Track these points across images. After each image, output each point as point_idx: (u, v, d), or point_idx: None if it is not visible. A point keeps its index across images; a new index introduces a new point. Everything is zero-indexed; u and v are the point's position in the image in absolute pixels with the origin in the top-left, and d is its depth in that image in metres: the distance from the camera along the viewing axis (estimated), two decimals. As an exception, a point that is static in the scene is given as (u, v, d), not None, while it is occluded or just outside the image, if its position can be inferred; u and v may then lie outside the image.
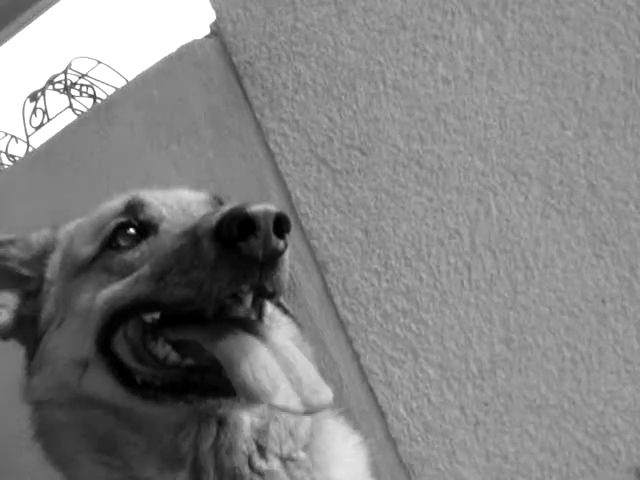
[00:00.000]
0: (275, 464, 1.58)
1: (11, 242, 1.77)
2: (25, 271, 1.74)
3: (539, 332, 2.53)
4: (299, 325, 1.84)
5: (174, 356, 1.47)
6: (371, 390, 2.67)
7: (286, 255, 1.36)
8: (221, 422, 1.56)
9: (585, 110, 2.48)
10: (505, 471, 2.52)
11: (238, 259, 1.29)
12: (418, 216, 2.66)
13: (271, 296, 1.43)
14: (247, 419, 1.59)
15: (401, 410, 2.63)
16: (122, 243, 1.56)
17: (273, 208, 1.30)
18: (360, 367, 2.69)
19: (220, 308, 1.47)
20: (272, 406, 1.32)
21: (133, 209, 1.60)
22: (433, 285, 2.64)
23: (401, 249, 2.67)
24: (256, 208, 1.27)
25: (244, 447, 1.56)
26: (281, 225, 1.31)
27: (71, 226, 1.79)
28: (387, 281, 2.68)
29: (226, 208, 1.31)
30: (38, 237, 1.78)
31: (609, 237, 2.47)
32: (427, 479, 2.58)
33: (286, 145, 2.78)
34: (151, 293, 1.42)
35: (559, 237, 2.51)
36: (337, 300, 2.72)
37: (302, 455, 1.61)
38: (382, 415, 2.65)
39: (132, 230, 1.57)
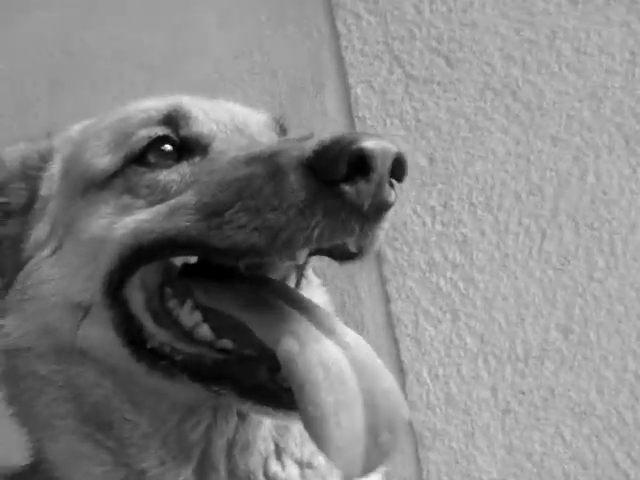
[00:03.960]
0: (292, 471, 1.43)
1: None
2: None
3: (605, 331, 2.43)
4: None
5: (205, 330, 1.29)
6: (396, 342, 2.56)
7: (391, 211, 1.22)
8: (241, 416, 1.40)
9: None
10: (525, 470, 2.45)
11: (337, 205, 1.12)
12: (497, 158, 2.55)
13: (350, 257, 1.28)
14: None
15: (424, 373, 2.53)
16: (153, 160, 1.38)
17: (393, 146, 1.13)
18: (389, 313, 2.57)
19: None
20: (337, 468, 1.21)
21: (174, 121, 1.40)
22: (496, 244, 2.52)
23: (468, 191, 2.55)
24: (373, 143, 1.11)
25: (262, 447, 1.41)
26: (397, 171, 1.15)
27: (75, 130, 1.56)
28: (442, 224, 2.56)
29: (328, 136, 1.14)
30: (13, 153, 1.58)
31: None
32: (436, 455, 2.49)
33: (357, 29, 2.65)
34: (196, 231, 1.23)
35: None
36: (379, 231, 2.62)
37: (321, 460, 1.45)
38: (402, 372, 2.54)
39: (169, 147, 1.38)
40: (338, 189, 1.11)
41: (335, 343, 1.23)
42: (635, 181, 2.41)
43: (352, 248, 1.23)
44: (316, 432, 1.13)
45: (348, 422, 1.14)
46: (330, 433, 1.12)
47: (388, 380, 1.23)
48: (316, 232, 1.13)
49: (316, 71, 2.61)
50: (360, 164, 1.10)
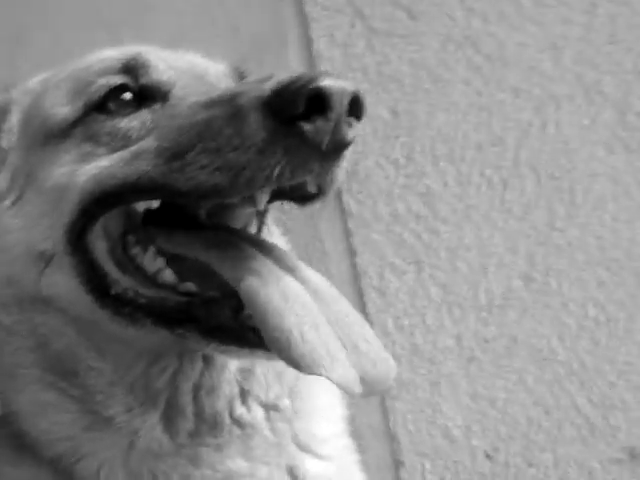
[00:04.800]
0: (257, 414, 1.44)
1: None
2: None
3: (566, 279, 2.44)
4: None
5: (169, 275, 1.29)
6: (361, 294, 2.55)
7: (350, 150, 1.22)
8: (207, 360, 1.41)
9: None
10: (489, 416, 2.47)
11: (296, 143, 1.13)
12: (459, 109, 2.52)
13: (308, 199, 1.30)
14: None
15: (390, 324, 2.53)
16: (113, 108, 1.36)
17: (350, 85, 1.14)
18: (354, 265, 2.57)
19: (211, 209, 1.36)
20: (329, 379, 1.16)
21: (133, 69, 1.39)
22: (459, 195, 2.51)
23: (430, 143, 2.53)
24: (331, 82, 1.11)
25: (227, 390, 1.42)
26: (355, 109, 1.15)
27: (34, 82, 1.54)
28: (406, 176, 2.54)
29: (286, 76, 1.14)
30: None
31: (679, 193, 2.41)
32: (402, 404, 2.50)
33: None
34: (158, 174, 1.24)
35: (619, 178, 2.42)
36: (343, 184, 2.53)
37: (287, 402, 1.47)
38: (368, 324, 2.45)
39: (129, 95, 1.37)
40: (297, 127, 1.12)
41: (295, 279, 1.25)
42: (595, 131, 2.40)
43: (312, 188, 1.24)
44: (287, 355, 1.14)
45: (315, 336, 1.16)
46: (300, 350, 1.14)
47: (348, 306, 1.26)
48: (277, 170, 1.13)
49: (278, 25, 2.57)
50: (318, 102, 1.10)
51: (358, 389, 1.14)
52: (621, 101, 2.39)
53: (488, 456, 2.45)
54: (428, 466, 2.46)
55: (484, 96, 2.51)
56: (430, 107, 2.53)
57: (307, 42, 2.61)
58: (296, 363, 1.14)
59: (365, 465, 1.63)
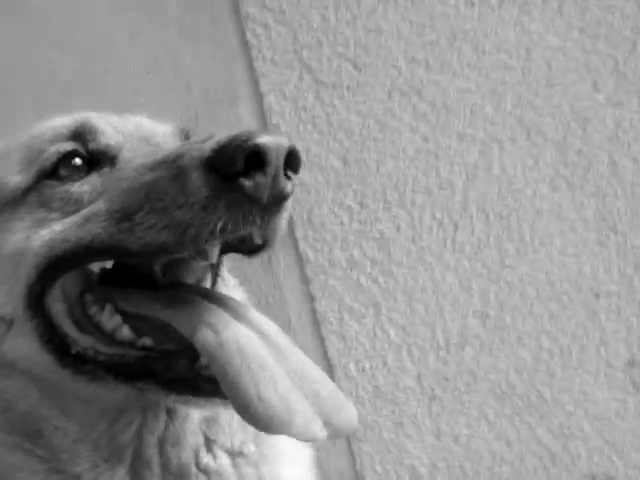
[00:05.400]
0: (223, 461, 1.45)
1: None
2: None
3: (520, 314, 2.47)
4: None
5: (126, 331, 1.30)
6: (322, 339, 2.57)
7: (290, 201, 1.24)
8: (170, 412, 1.42)
9: (625, 74, 2.41)
10: (454, 453, 2.49)
11: (238, 199, 1.15)
12: (408, 156, 2.54)
13: (256, 250, 1.31)
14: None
15: (352, 368, 2.54)
16: (64, 173, 1.37)
17: (285, 141, 1.17)
18: (313, 311, 2.58)
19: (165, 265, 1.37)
20: (289, 436, 1.17)
21: (81, 136, 1.41)
22: (411, 238, 2.52)
23: (382, 189, 2.54)
24: (267, 139, 1.14)
25: (192, 440, 1.43)
26: (292, 163, 1.19)
27: None
28: (360, 222, 2.55)
29: (225, 136, 1.17)
30: None
31: (620, 226, 2.42)
32: (368, 446, 2.51)
33: (267, 39, 2.61)
34: (108, 236, 1.25)
35: (564, 214, 2.44)
36: (299, 233, 2.57)
37: (252, 448, 1.48)
38: (330, 368, 2.55)
39: (79, 160, 1.38)
40: (237, 184, 1.14)
41: (250, 329, 1.26)
42: (538, 170, 2.42)
43: (257, 240, 1.25)
44: (245, 412, 1.15)
45: (272, 392, 1.16)
46: (259, 411, 1.14)
47: (304, 358, 1.27)
48: (220, 225, 1.15)
49: (229, 82, 2.58)
50: (256, 159, 1.13)
51: (322, 434, 1.15)
52: (561, 141, 2.42)
53: (455, 493, 2.44)
54: (397, 506, 2.45)
55: (430, 142, 2.52)
56: (379, 155, 2.54)
57: (258, 97, 2.61)
58: (255, 424, 1.15)
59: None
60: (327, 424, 1.16)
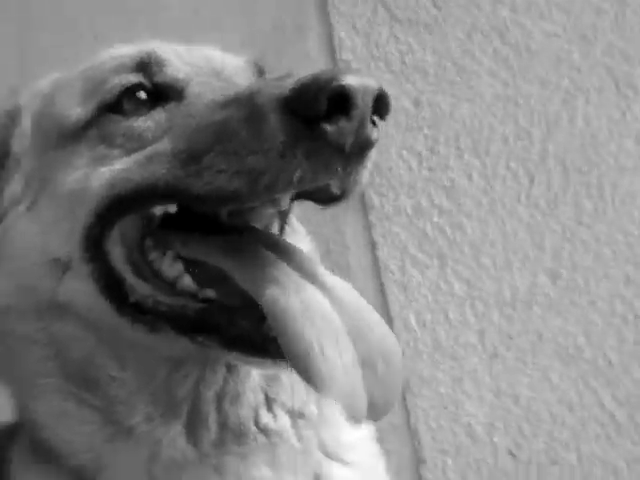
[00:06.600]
0: (284, 422, 1.42)
1: None
2: None
3: (593, 275, 2.43)
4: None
5: (188, 281, 1.27)
6: (382, 288, 2.53)
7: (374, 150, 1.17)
8: (229, 367, 1.38)
9: None
10: (513, 413, 2.46)
11: (318, 146, 1.09)
12: (485, 101, 2.50)
13: (334, 200, 1.25)
14: None
15: (412, 319, 2.51)
16: (127, 107, 1.32)
17: (374, 82, 1.09)
18: (375, 259, 2.55)
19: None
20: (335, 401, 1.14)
21: (147, 67, 1.35)
22: (483, 188, 2.50)
23: (455, 136, 2.51)
24: (354, 79, 1.07)
25: (251, 398, 1.40)
26: (379, 108, 1.11)
27: (44, 83, 1.50)
28: (429, 169, 2.53)
29: (307, 75, 1.09)
30: None
31: None
32: (424, 401, 2.49)
33: None
34: (174, 178, 1.20)
35: None
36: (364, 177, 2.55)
37: (313, 409, 1.45)
38: (389, 319, 2.50)
39: (143, 94, 1.33)
40: (319, 129, 1.08)
41: (316, 287, 1.22)
42: (624, 124, 2.38)
43: (335, 190, 1.20)
44: (305, 371, 1.12)
45: (334, 354, 1.14)
46: (317, 368, 1.12)
47: (373, 316, 1.24)
48: (298, 174, 1.09)
49: (298, 12, 2.53)
50: (341, 101, 1.06)
51: (363, 415, 1.13)
52: (656, 96, 2.36)
53: (511, 454, 2.43)
54: (450, 464, 2.45)
55: (510, 88, 2.49)
56: (454, 98, 2.52)
57: (328, 31, 2.58)
58: (313, 382, 1.12)
59: (386, 463, 1.62)
60: (369, 405, 1.14)
